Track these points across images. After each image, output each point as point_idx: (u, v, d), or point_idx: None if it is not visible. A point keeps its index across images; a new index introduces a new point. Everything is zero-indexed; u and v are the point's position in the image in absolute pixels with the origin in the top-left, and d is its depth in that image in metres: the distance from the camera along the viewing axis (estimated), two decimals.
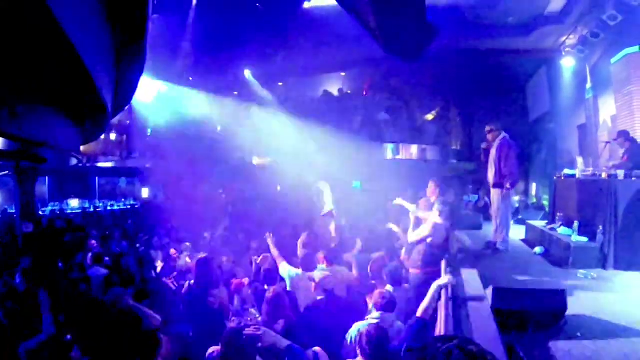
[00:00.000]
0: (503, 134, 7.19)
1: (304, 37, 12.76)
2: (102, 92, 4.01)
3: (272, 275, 5.59)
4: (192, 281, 5.61)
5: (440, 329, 3.39)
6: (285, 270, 5.71)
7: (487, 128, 7.34)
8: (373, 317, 4.08)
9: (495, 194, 7.27)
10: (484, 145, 7.47)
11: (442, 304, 3.82)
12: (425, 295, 4.05)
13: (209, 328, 4.46)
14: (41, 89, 3.81)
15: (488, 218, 9.28)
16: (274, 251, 6.10)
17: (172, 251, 8.70)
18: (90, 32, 3.03)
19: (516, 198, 11.29)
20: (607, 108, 9.83)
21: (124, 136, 21.26)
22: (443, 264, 5.34)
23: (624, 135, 7.57)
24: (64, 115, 5.25)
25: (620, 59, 9.26)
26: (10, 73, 3.27)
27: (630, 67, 9.03)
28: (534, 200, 11.51)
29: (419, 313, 3.91)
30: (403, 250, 6.68)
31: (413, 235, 5.73)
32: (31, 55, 3.01)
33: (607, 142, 8.11)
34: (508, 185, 7.01)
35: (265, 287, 5.36)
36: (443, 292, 4.03)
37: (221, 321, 4.74)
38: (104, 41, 3.52)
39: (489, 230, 8.04)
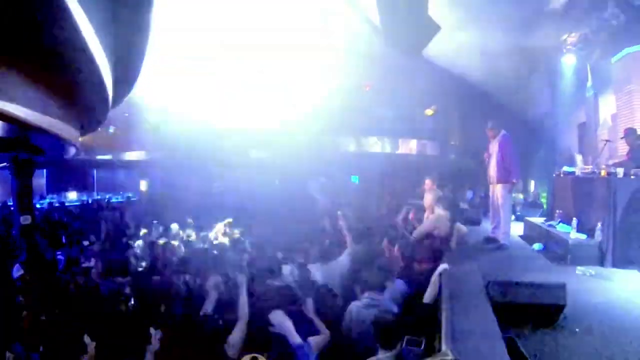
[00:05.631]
0: (503, 131, 7.20)
1: None
2: (102, 77, 3.99)
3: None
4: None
5: (442, 323, 3.39)
6: None
7: (490, 125, 7.34)
8: (364, 297, 4.16)
9: (497, 189, 7.26)
10: (486, 155, 7.46)
11: (444, 296, 3.84)
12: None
13: None
14: (38, 72, 3.77)
15: (486, 214, 9.30)
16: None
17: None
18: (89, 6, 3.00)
19: (520, 195, 11.31)
20: (608, 107, 9.84)
21: (122, 129, 21.17)
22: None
23: (634, 134, 7.38)
24: (62, 102, 5.20)
25: (620, 57, 9.26)
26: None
27: (630, 66, 9.03)
28: (533, 197, 11.51)
29: (425, 299, 4.02)
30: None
31: (417, 231, 5.76)
32: (27, 30, 2.97)
33: (607, 141, 8.10)
34: (514, 181, 7.04)
35: None
36: (443, 281, 4.10)
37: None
38: (104, 19, 3.47)
39: (488, 225, 8.04)
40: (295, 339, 3.38)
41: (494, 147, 7.27)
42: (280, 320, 3.41)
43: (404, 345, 3.25)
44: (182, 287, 5.82)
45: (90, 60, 3.57)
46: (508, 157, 7.04)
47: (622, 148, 7.79)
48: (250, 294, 4.27)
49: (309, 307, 4.01)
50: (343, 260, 5.79)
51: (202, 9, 12.39)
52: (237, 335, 3.62)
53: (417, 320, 3.85)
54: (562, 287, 4.12)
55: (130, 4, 3.40)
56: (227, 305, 4.34)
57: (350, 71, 16.44)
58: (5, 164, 10.36)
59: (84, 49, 3.31)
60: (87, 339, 3.68)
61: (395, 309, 4.00)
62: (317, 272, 5.58)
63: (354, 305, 4.13)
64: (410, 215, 6.72)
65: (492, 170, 7.27)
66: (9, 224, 11.23)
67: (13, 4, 2.69)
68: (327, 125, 17.85)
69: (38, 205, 15.99)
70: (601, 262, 6.05)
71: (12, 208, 11.88)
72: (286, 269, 5.64)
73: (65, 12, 2.74)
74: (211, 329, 3.67)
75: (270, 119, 19.55)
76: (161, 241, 9.39)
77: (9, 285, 6.55)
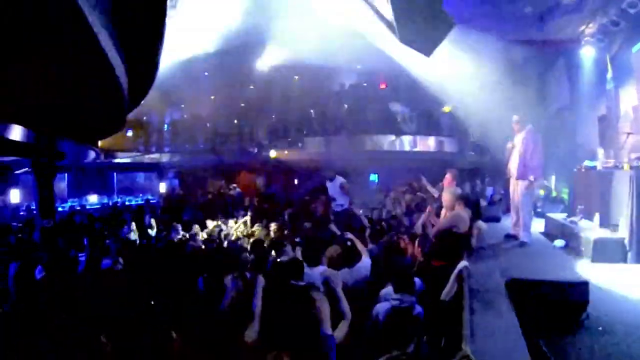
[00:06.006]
0: (529, 126, 7.09)
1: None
2: (119, 80, 4.03)
3: None
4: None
5: (462, 321, 3.36)
6: None
7: (515, 118, 7.22)
8: (393, 297, 4.11)
9: (518, 185, 7.14)
10: (509, 145, 7.33)
11: (464, 295, 3.80)
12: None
13: None
14: (55, 76, 3.83)
15: (506, 211, 9.19)
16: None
17: None
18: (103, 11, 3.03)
19: (541, 192, 11.14)
20: (629, 98, 9.62)
21: (141, 132, 21.51)
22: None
23: None
24: (80, 106, 5.28)
25: None
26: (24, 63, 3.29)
27: None
28: (554, 193, 11.35)
29: (442, 297, 3.99)
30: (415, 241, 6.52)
31: (435, 228, 5.69)
32: (43, 37, 3.01)
33: (630, 133, 7.93)
34: (532, 178, 6.92)
35: None
36: (463, 279, 4.05)
37: None
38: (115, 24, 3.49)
39: (508, 222, 7.94)
40: (328, 329, 3.40)
41: (517, 142, 7.16)
42: (320, 307, 3.42)
43: (423, 343, 3.24)
44: (201, 286, 5.86)
45: (107, 64, 3.60)
46: (529, 153, 6.92)
47: None
48: (273, 294, 4.28)
49: (337, 281, 4.00)
50: (366, 263, 5.72)
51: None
52: (250, 334, 3.64)
53: (434, 318, 3.82)
54: (584, 284, 4.05)
55: (144, 7, 3.43)
56: (244, 304, 4.36)
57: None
58: (27, 168, 10.57)
59: (100, 52, 3.34)
60: (103, 339, 3.72)
61: (420, 310, 3.96)
62: (344, 276, 5.55)
63: (382, 307, 4.06)
64: (426, 213, 6.66)
65: (513, 165, 7.15)
66: (32, 227, 11.44)
67: (29, 6, 2.72)
68: (343, 123, 17.91)
69: (59, 209, 16.26)
70: (624, 259, 5.92)
71: (34, 212, 12.11)
72: (308, 270, 5.63)
73: (81, 16, 2.77)
74: (227, 328, 3.70)
75: (286, 117, 19.69)
76: (181, 241, 9.49)
77: (32, 286, 6.67)
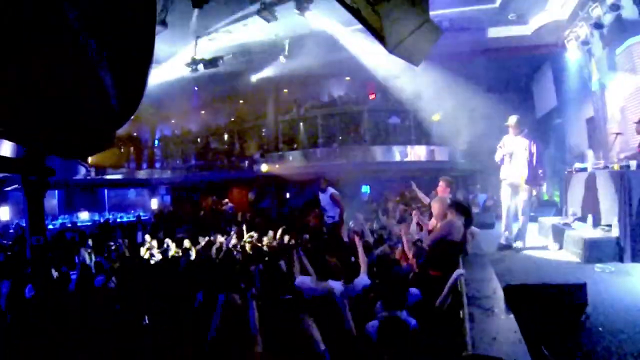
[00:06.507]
0: (526, 130, 7.12)
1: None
2: (107, 93, 3.97)
3: None
4: None
5: (464, 329, 3.33)
6: None
7: (514, 119, 7.20)
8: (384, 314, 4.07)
9: (520, 192, 7.13)
10: (505, 151, 7.27)
11: (463, 302, 3.78)
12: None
13: None
14: (42, 90, 3.76)
15: (499, 217, 9.20)
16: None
17: None
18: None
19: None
20: (615, 99, 9.72)
21: (131, 148, 21.44)
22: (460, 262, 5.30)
23: None
24: (68, 121, 5.21)
25: (625, 48, 9.15)
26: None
27: (635, 57, 8.92)
28: (546, 197, 11.42)
29: (437, 304, 3.96)
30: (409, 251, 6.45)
31: (429, 238, 5.67)
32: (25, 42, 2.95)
33: (618, 134, 8.00)
34: (542, 182, 6.95)
35: None
36: (460, 287, 4.02)
37: None
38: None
39: (501, 228, 7.90)
40: (322, 345, 3.36)
41: (517, 146, 7.13)
42: (310, 326, 3.39)
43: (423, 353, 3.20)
44: (196, 302, 5.79)
45: (95, 76, 3.55)
46: (538, 157, 6.97)
47: (634, 140, 7.68)
48: (265, 308, 4.23)
49: (342, 293, 3.96)
50: (363, 280, 5.66)
51: None
52: (256, 348, 3.60)
53: (434, 327, 3.79)
54: (582, 286, 4.04)
55: (132, 12, 3.38)
56: (238, 320, 4.31)
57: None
58: (17, 185, 10.45)
59: (88, 64, 3.29)
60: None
61: (414, 323, 3.93)
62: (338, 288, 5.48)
63: (373, 325, 3.99)
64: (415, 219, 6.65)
65: (519, 171, 7.10)
66: (22, 244, 11.30)
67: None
68: (334, 135, 17.98)
69: (50, 226, 16.10)
70: (620, 258, 5.93)
71: (25, 229, 11.98)
72: (308, 282, 5.56)
73: (67, 26, 2.72)
74: (222, 345, 3.65)
75: (277, 130, 19.72)
76: (174, 257, 9.40)
77: (22, 305, 6.59)
